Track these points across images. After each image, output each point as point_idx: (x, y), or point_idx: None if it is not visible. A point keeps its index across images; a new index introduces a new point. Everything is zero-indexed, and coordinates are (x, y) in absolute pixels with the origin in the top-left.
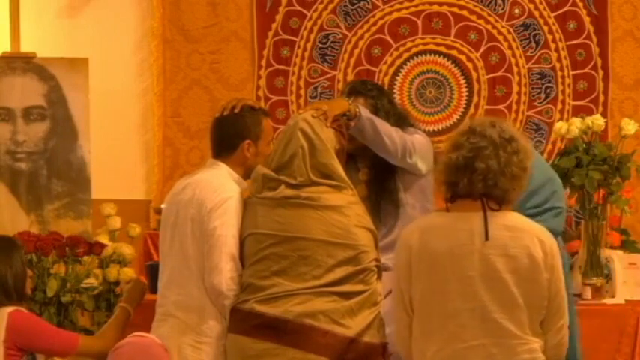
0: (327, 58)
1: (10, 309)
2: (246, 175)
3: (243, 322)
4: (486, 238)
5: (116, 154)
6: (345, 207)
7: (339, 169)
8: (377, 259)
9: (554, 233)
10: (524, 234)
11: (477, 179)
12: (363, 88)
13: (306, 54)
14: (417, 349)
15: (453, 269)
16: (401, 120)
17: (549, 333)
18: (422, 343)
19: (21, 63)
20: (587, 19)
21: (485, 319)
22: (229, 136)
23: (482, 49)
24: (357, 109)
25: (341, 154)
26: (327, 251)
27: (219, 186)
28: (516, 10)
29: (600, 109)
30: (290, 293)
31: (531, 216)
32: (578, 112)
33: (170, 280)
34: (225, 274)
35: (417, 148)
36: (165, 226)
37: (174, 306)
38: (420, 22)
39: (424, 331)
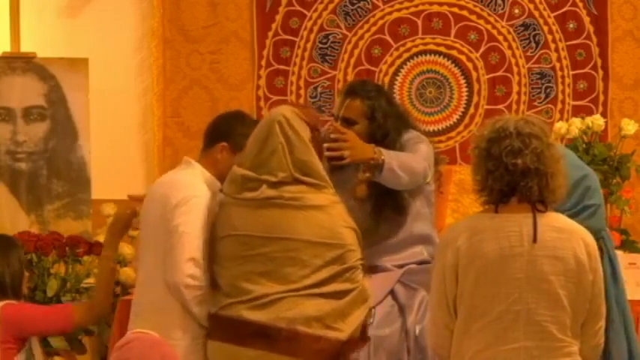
0: (327, 58)
1: (0, 304)
2: (219, 178)
3: (231, 329)
4: (534, 240)
5: (116, 154)
6: (329, 206)
7: (318, 166)
8: (362, 258)
9: (593, 230)
10: (571, 235)
11: (542, 183)
12: (361, 89)
13: (306, 54)
14: (455, 349)
15: (501, 271)
16: (400, 121)
17: (588, 335)
18: (462, 344)
19: (21, 63)
20: (587, 19)
21: (529, 322)
22: (213, 130)
23: (482, 49)
24: (381, 160)
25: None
26: (314, 251)
27: (187, 184)
28: (516, 10)
29: (600, 109)
30: (278, 297)
31: (569, 217)
32: (578, 112)
33: (143, 280)
34: (186, 271)
35: (430, 165)
36: (142, 226)
37: (145, 306)
38: (420, 22)
39: (466, 332)
